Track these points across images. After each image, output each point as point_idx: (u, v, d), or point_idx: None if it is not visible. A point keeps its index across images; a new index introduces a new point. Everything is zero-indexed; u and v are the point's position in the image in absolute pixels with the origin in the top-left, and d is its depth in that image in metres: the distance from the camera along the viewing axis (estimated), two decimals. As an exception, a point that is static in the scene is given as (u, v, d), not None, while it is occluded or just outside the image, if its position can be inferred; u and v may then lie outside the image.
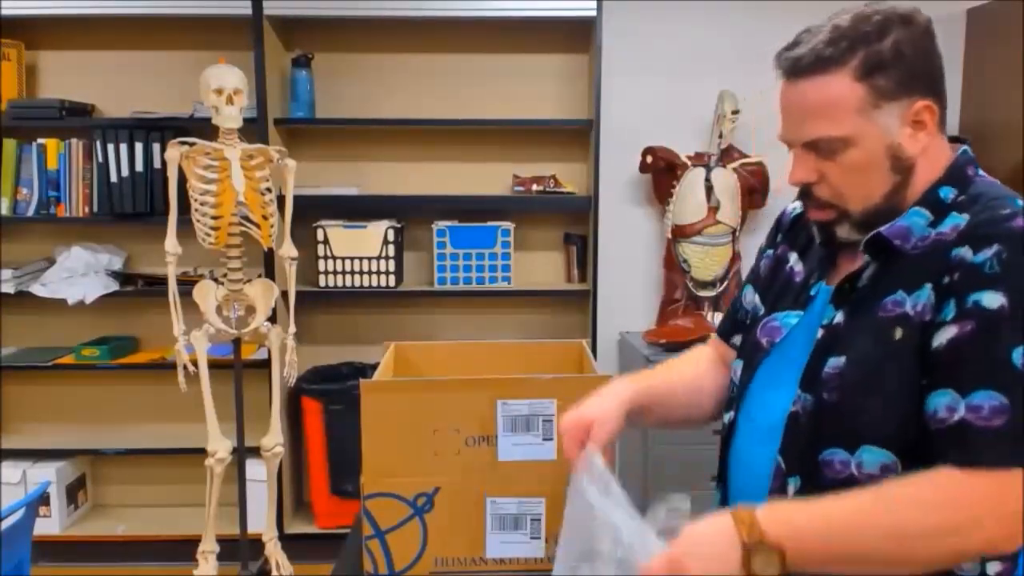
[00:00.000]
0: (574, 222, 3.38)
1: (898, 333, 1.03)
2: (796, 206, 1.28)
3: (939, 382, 0.98)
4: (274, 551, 2.57)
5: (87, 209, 3.13)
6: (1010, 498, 0.92)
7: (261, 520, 2.59)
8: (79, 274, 3.14)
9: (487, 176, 3.33)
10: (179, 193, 2.36)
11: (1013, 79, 2.93)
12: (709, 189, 3.15)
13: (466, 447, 1.35)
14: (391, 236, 3.16)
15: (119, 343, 3.26)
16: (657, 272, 3.34)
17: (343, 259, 3.17)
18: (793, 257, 1.26)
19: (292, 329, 2.50)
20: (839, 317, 1.10)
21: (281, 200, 2.52)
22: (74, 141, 3.12)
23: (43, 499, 3.10)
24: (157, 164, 3.04)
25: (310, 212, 3.10)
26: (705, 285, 3.20)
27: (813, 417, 1.08)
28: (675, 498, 1.01)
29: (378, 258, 3.17)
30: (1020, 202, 1.04)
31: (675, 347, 2.83)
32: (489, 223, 3.24)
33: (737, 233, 3.20)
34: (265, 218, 2.40)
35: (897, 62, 1.03)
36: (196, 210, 2.34)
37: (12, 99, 3.09)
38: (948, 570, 1.03)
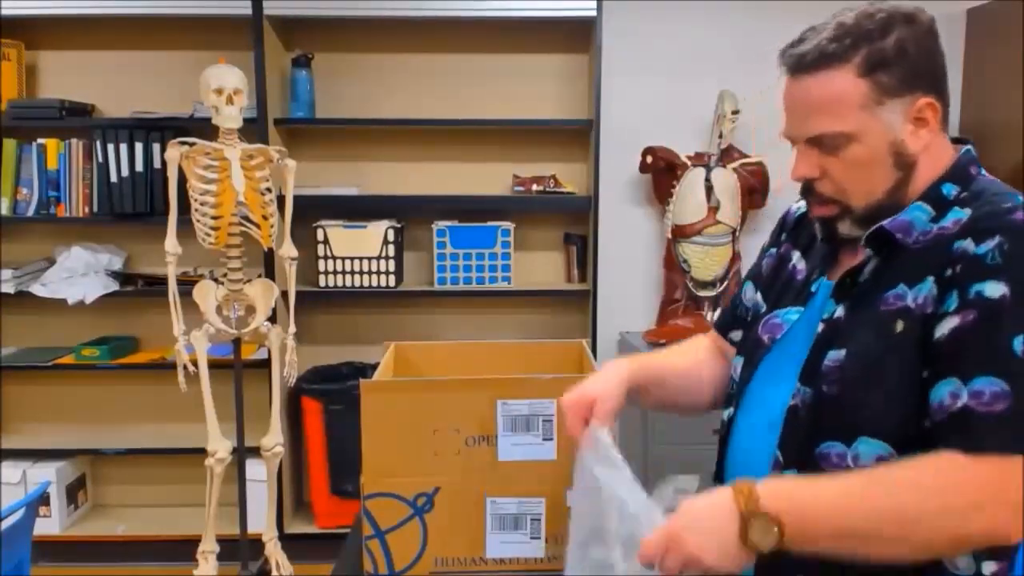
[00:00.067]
0: (574, 222, 3.38)
1: (899, 326, 1.03)
2: (800, 205, 1.29)
3: (942, 372, 0.98)
4: (274, 551, 2.57)
5: (87, 209, 3.12)
6: (1012, 485, 0.91)
7: (261, 520, 2.59)
8: (79, 274, 3.14)
9: (487, 176, 3.33)
10: (179, 193, 2.36)
11: (1013, 79, 2.93)
12: (709, 189, 3.14)
13: (466, 447, 1.35)
14: (391, 236, 3.16)
15: (119, 343, 3.26)
16: (657, 272, 3.34)
17: (343, 259, 3.17)
18: (796, 255, 1.27)
19: (292, 329, 2.50)
20: (840, 311, 1.11)
21: (281, 200, 2.52)
22: (74, 141, 3.12)
23: (43, 499, 3.10)
24: (157, 164, 3.04)
25: (310, 212, 3.10)
26: (705, 285, 3.20)
27: (812, 410, 1.08)
28: (682, 479, 1.02)
29: (378, 258, 3.17)
30: (1021, 198, 1.05)
31: (675, 347, 2.83)
32: (489, 223, 3.24)
33: (737, 233, 3.20)
34: (265, 218, 2.40)
35: (900, 59, 1.04)
36: (196, 210, 2.34)
37: (12, 99, 3.09)
38: (944, 568, 1.03)
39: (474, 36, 3.26)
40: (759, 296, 1.31)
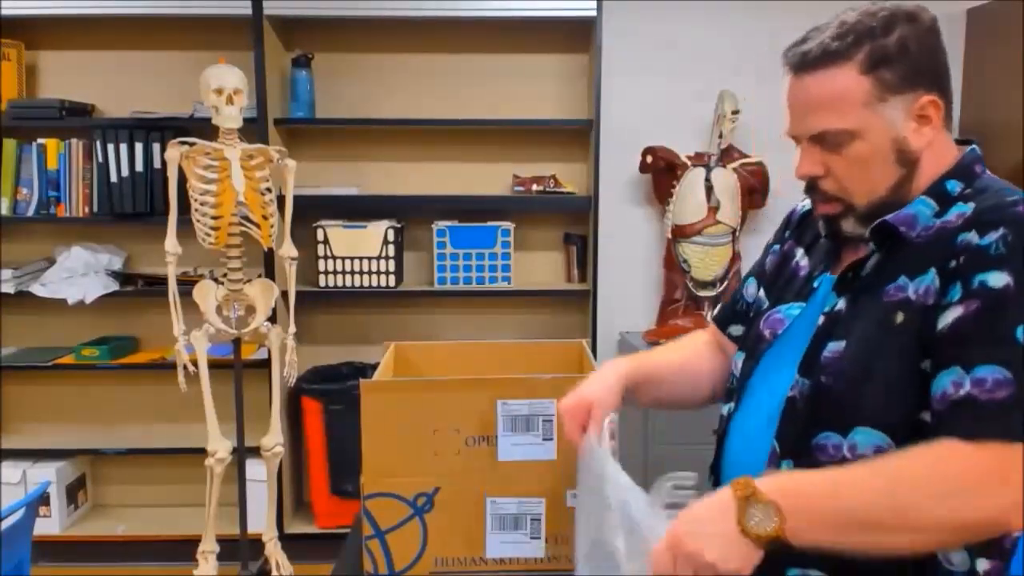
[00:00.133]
0: (574, 222, 3.38)
1: (899, 317, 1.04)
2: (806, 203, 1.30)
3: (944, 362, 0.98)
4: (274, 551, 2.57)
5: (87, 209, 3.12)
6: (1014, 472, 0.90)
7: (261, 520, 2.58)
8: (79, 274, 3.14)
9: (487, 176, 3.33)
10: (179, 193, 2.36)
11: (1013, 79, 2.93)
12: (709, 189, 3.14)
13: (466, 447, 1.35)
14: (391, 236, 3.16)
15: (119, 343, 3.26)
16: (657, 272, 3.34)
17: (343, 259, 3.17)
18: (799, 252, 1.28)
19: (292, 329, 2.50)
20: (841, 304, 1.12)
21: (281, 200, 2.52)
22: (74, 141, 3.12)
23: (43, 499, 3.10)
24: (157, 164, 3.04)
25: (310, 212, 3.10)
26: (705, 285, 3.20)
27: (810, 401, 1.09)
28: (680, 475, 1.02)
29: (378, 258, 3.17)
30: None
31: (675, 347, 2.83)
32: (489, 223, 3.24)
33: (737, 233, 3.19)
34: (265, 218, 2.40)
35: (902, 57, 1.05)
36: (196, 210, 2.34)
37: (12, 99, 3.09)
38: (939, 564, 1.04)
39: (474, 36, 3.26)
40: (761, 292, 1.31)
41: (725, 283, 3.19)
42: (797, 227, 1.32)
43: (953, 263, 1.01)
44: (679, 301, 3.24)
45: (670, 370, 1.36)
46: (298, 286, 2.55)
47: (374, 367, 1.64)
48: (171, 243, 2.36)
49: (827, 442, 1.06)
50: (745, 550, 0.92)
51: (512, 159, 3.33)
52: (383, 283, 3.19)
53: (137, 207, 3.07)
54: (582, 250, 3.35)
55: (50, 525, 3.15)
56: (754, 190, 3.21)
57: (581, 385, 1.22)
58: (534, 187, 3.25)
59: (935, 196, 1.09)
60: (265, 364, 2.73)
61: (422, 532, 1.36)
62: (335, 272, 3.17)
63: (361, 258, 3.17)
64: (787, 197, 3.01)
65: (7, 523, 1.86)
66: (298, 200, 2.54)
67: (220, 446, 2.40)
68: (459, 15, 3.09)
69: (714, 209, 3.14)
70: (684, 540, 0.93)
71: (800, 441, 1.09)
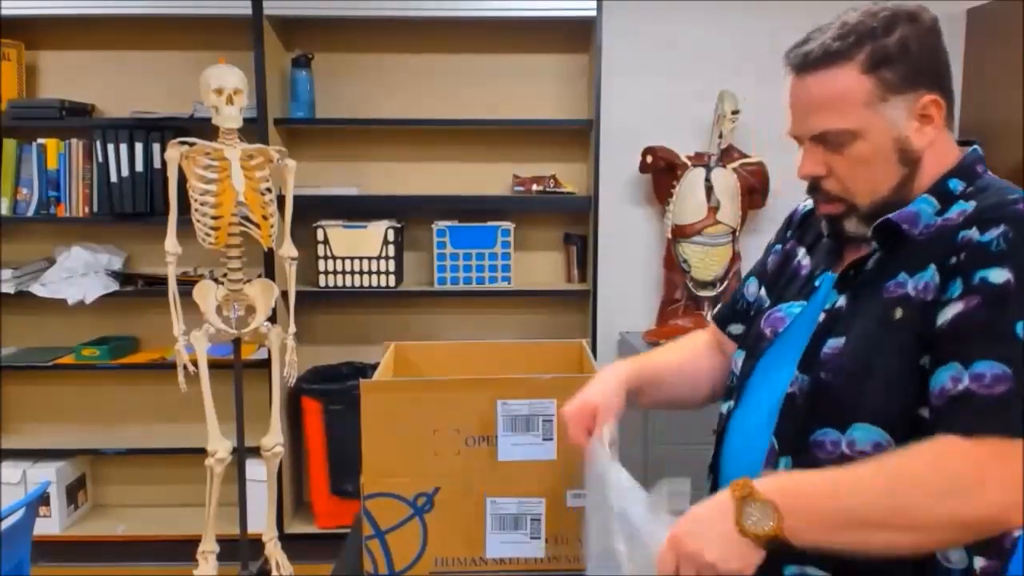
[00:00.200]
0: (574, 222, 3.38)
1: (898, 313, 1.04)
2: (808, 203, 1.31)
3: (944, 357, 0.98)
4: (274, 551, 2.57)
5: (87, 209, 3.12)
6: (1012, 468, 0.90)
7: (261, 520, 2.58)
8: (79, 274, 3.14)
9: (487, 176, 3.33)
10: (179, 193, 2.36)
11: (1013, 79, 2.93)
12: (709, 189, 3.14)
13: (466, 447, 1.35)
14: (391, 236, 3.16)
15: (119, 343, 3.26)
16: (657, 272, 3.34)
17: (343, 259, 3.17)
18: (801, 252, 1.28)
19: (292, 329, 2.50)
20: (841, 301, 1.12)
21: (281, 200, 2.52)
22: (74, 141, 3.12)
23: (43, 499, 3.10)
24: (157, 164, 3.04)
25: (310, 212, 3.10)
26: (705, 285, 3.20)
27: (809, 397, 1.09)
28: (676, 481, 1.03)
29: (378, 258, 3.17)
30: None
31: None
32: (489, 223, 3.24)
33: (737, 233, 3.19)
34: (265, 218, 2.40)
35: (903, 56, 1.06)
36: (196, 210, 2.33)
37: (12, 99, 3.09)
38: (937, 563, 1.04)
39: (474, 36, 3.26)
40: (762, 291, 1.32)
41: (725, 283, 3.19)
42: (799, 227, 1.33)
43: (953, 259, 1.01)
44: (679, 301, 3.24)
45: (669, 371, 1.37)
46: (298, 286, 2.55)
47: (374, 367, 1.64)
48: (171, 243, 2.35)
49: (825, 438, 1.07)
50: (745, 550, 0.93)
51: (512, 159, 3.33)
52: (383, 283, 3.19)
53: (137, 207, 3.07)
54: (582, 250, 3.35)
55: (50, 525, 3.15)
56: (754, 190, 3.21)
57: (583, 390, 1.23)
58: (534, 187, 3.25)
59: (937, 195, 1.09)
60: (265, 364, 2.73)
61: (422, 532, 1.36)
62: (335, 272, 3.17)
63: (361, 258, 3.17)
64: (787, 197, 3.01)
65: (7, 523, 1.86)
66: (298, 200, 2.54)
67: (220, 446, 2.40)
68: (459, 15, 3.09)
69: (714, 209, 3.14)
70: (684, 541, 0.94)
71: (799, 438, 1.09)
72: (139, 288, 3.20)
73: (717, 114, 3.17)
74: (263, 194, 2.39)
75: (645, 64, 3.30)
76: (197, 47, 3.15)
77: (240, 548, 2.59)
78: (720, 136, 3.16)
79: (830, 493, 0.95)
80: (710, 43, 3.28)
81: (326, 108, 3.24)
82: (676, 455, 2.74)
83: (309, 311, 3.31)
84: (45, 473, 3.15)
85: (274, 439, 2.51)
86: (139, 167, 3.05)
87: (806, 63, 1.08)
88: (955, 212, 1.06)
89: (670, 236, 3.23)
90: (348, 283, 3.18)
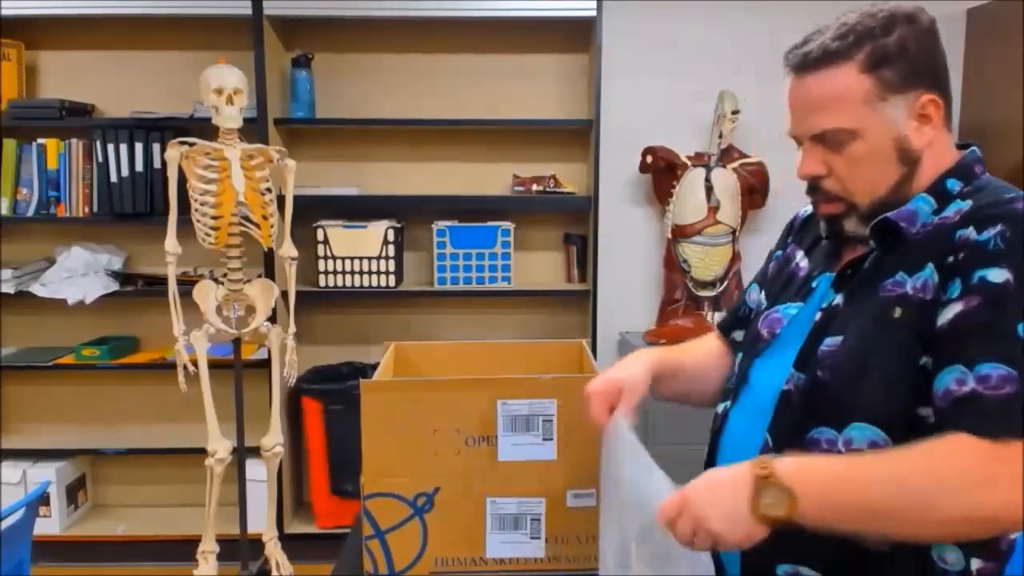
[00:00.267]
0: (574, 222, 3.38)
1: (896, 312, 1.04)
2: (808, 209, 1.32)
3: (947, 358, 0.98)
4: (274, 551, 2.57)
5: (87, 209, 3.12)
6: (1020, 467, 0.90)
7: (261, 520, 2.58)
8: (79, 274, 3.14)
9: (487, 176, 3.33)
10: (179, 193, 2.36)
11: (1013, 79, 2.93)
12: (709, 189, 3.15)
13: (466, 447, 1.35)
14: (391, 236, 3.16)
15: (119, 343, 3.26)
16: (657, 272, 3.34)
17: (343, 259, 3.17)
18: (799, 254, 1.29)
19: (292, 329, 2.50)
20: (838, 300, 1.12)
21: (281, 200, 2.52)
22: (74, 141, 3.12)
23: (43, 499, 3.10)
24: (157, 164, 3.04)
25: (310, 212, 3.10)
26: (705, 285, 3.20)
27: (805, 395, 1.09)
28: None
29: (378, 258, 3.17)
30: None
31: (675, 347, 2.83)
32: (489, 223, 3.24)
33: (737, 233, 3.20)
34: (265, 218, 2.40)
35: (902, 56, 1.06)
36: (196, 210, 2.33)
37: (12, 99, 3.09)
38: (933, 563, 1.04)
39: (474, 36, 3.26)
40: (763, 296, 1.33)
41: (725, 283, 3.19)
42: (799, 231, 1.34)
43: (951, 259, 1.01)
44: (679, 301, 3.24)
45: (689, 366, 1.39)
46: (298, 286, 2.55)
47: (374, 367, 1.64)
48: (171, 243, 2.35)
49: (821, 437, 1.07)
50: (751, 528, 0.94)
51: (512, 159, 3.33)
52: (383, 283, 3.19)
53: (137, 207, 3.07)
54: (582, 250, 3.35)
55: (50, 525, 3.15)
56: (754, 190, 3.21)
57: (611, 369, 1.24)
58: (534, 187, 3.25)
59: (935, 194, 1.09)
60: (265, 364, 2.73)
61: (422, 532, 1.36)
62: (335, 272, 3.17)
63: (361, 258, 3.17)
64: (787, 197, 3.02)
65: (7, 523, 1.86)
66: (298, 200, 2.54)
67: (220, 446, 2.40)
68: (459, 15, 3.09)
69: (714, 209, 3.14)
70: (695, 503, 0.95)
71: (794, 435, 1.09)
72: (139, 288, 3.20)
73: (717, 114, 3.17)
74: (263, 194, 2.39)
75: (645, 64, 3.30)
76: (197, 47, 3.15)
77: (240, 548, 2.59)
78: (720, 136, 3.16)
79: (847, 482, 0.95)
80: (710, 43, 3.28)
81: (326, 108, 3.24)
82: (676, 455, 2.73)
83: (309, 311, 3.31)
84: (45, 473, 3.15)
85: (274, 439, 2.51)
86: (139, 167, 3.05)
87: (806, 63, 1.09)
88: (952, 211, 1.07)
89: (670, 236, 3.23)
90: (348, 283, 3.18)
